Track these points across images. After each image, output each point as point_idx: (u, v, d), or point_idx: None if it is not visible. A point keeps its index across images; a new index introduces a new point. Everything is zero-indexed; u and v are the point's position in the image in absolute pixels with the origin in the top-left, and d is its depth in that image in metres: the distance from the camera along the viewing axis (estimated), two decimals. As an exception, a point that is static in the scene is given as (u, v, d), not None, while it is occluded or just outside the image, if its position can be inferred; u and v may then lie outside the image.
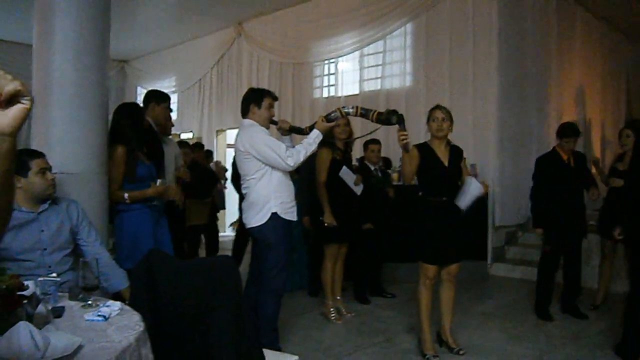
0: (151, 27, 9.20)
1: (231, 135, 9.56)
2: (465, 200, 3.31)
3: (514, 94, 6.50)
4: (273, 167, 3.22)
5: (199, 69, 9.94)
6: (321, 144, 3.47)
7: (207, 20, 8.88)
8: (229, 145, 9.39)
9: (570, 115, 7.48)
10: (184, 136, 9.47)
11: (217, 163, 7.35)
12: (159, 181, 3.34)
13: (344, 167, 4.19)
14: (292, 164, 3.17)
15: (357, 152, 6.09)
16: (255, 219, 3.23)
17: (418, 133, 4.88)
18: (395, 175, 6.23)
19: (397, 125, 3.12)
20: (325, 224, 4.08)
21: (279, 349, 3.24)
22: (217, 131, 9.58)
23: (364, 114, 3.29)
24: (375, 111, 3.26)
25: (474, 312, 4.50)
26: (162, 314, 1.82)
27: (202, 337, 1.79)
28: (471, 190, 3.32)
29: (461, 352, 3.46)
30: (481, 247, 6.05)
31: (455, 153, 3.45)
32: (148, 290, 1.85)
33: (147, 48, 10.67)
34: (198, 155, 6.43)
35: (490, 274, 6.07)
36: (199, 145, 6.67)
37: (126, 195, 3.17)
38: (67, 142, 2.90)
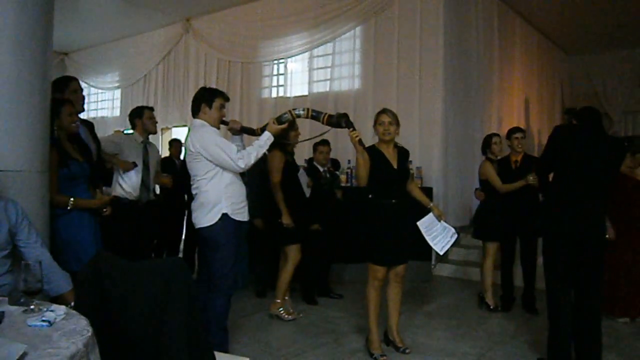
0: (95, 18, 8.86)
1: (177, 133, 9.37)
2: (443, 244, 3.50)
3: (458, 99, 6.71)
4: (223, 168, 3.19)
5: (144, 64, 9.67)
6: (273, 146, 3.46)
7: (154, 15, 8.66)
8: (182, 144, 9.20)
9: (510, 122, 7.80)
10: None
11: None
12: (104, 189, 3.27)
13: (300, 169, 4.23)
14: (242, 166, 3.15)
15: (305, 153, 6.11)
16: (205, 219, 3.19)
17: (366, 135, 4.94)
18: (343, 177, 6.30)
19: (346, 128, 3.29)
20: (284, 225, 4.09)
21: (227, 350, 3.21)
22: (162, 129, 9.35)
23: (315, 116, 3.35)
24: (326, 114, 3.34)
25: (419, 312, 4.62)
26: (111, 317, 1.77)
27: (154, 341, 1.75)
28: (449, 237, 3.52)
29: (407, 351, 3.54)
30: (425, 248, 6.18)
31: (403, 155, 3.54)
32: (96, 294, 1.79)
33: (90, 41, 10.28)
34: (174, 151, 6.29)
35: (434, 275, 6.23)
36: (175, 140, 6.51)
37: (72, 200, 3.09)
38: (6, 138, 2.73)
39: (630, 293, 4.37)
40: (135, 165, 4.12)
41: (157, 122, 4.47)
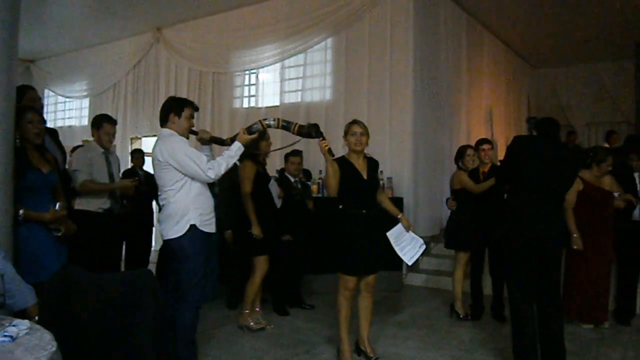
0: (63, 26, 8.70)
1: (147, 143, 9.25)
2: (412, 254, 3.59)
3: (428, 111, 6.80)
4: (192, 178, 3.16)
5: (113, 73, 9.53)
6: (244, 156, 3.45)
7: (123, 24, 8.55)
8: (145, 154, 9.07)
9: (478, 133, 7.94)
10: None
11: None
12: (58, 204, 3.16)
13: (272, 180, 4.23)
14: (212, 176, 3.13)
15: (277, 164, 6.10)
16: (173, 231, 3.14)
17: (337, 146, 4.97)
18: (314, 187, 6.31)
19: (317, 139, 3.32)
20: (254, 236, 4.07)
21: (196, 364, 3.17)
22: (132, 139, 9.22)
23: (286, 126, 3.36)
24: (296, 124, 3.36)
25: (390, 322, 4.64)
26: (78, 331, 1.73)
27: (122, 354, 1.72)
28: (417, 247, 3.61)
29: (378, 361, 3.55)
30: (396, 258, 6.21)
31: (372, 166, 3.58)
32: (61, 307, 1.75)
33: (57, 48, 10.07)
34: (137, 161, 6.26)
35: (405, 284, 6.28)
36: (137, 151, 6.48)
37: (21, 212, 3.00)
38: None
39: (595, 300, 4.48)
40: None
41: (113, 138, 4.32)
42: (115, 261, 4.48)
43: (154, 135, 8.65)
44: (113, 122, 4.30)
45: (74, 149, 5.39)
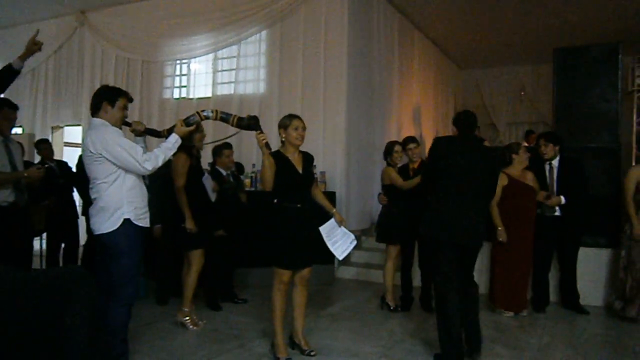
0: (-25, 5, 8.09)
1: (70, 132, 8.81)
2: (343, 249, 3.66)
3: (361, 106, 6.92)
4: (127, 171, 3.05)
5: (32, 57, 8.94)
6: (178, 149, 3.36)
7: (44, 4, 8.05)
8: (67, 144, 8.63)
9: (408, 131, 8.19)
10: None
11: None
12: None
13: (206, 174, 4.15)
14: (149, 168, 3.03)
15: (208, 156, 6.01)
16: (106, 225, 3.00)
17: (271, 140, 4.95)
18: (247, 181, 6.26)
19: (254, 131, 3.32)
20: (188, 230, 3.98)
21: (128, 362, 3.07)
22: (53, 127, 8.71)
23: (224, 118, 3.33)
24: (235, 116, 3.33)
25: (323, 314, 4.70)
26: (2, 333, 1.63)
27: (52, 355, 1.64)
28: (349, 243, 3.69)
29: (312, 354, 3.58)
30: (328, 251, 6.28)
31: (308, 160, 3.60)
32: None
33: (-32, 28, 9.36)
34: (44, 153, 5.93)
35: (336, 277, 6.37)
36: (43, 141, 6.13)
37: None
38: None
39: (514, 289, 4.75)
40: None
41: (13, 125, 4.05)
42: (24, 258, 4.12)
43: (78, 125, 8.25)
44: (14, 107, 4.01)
45: None
